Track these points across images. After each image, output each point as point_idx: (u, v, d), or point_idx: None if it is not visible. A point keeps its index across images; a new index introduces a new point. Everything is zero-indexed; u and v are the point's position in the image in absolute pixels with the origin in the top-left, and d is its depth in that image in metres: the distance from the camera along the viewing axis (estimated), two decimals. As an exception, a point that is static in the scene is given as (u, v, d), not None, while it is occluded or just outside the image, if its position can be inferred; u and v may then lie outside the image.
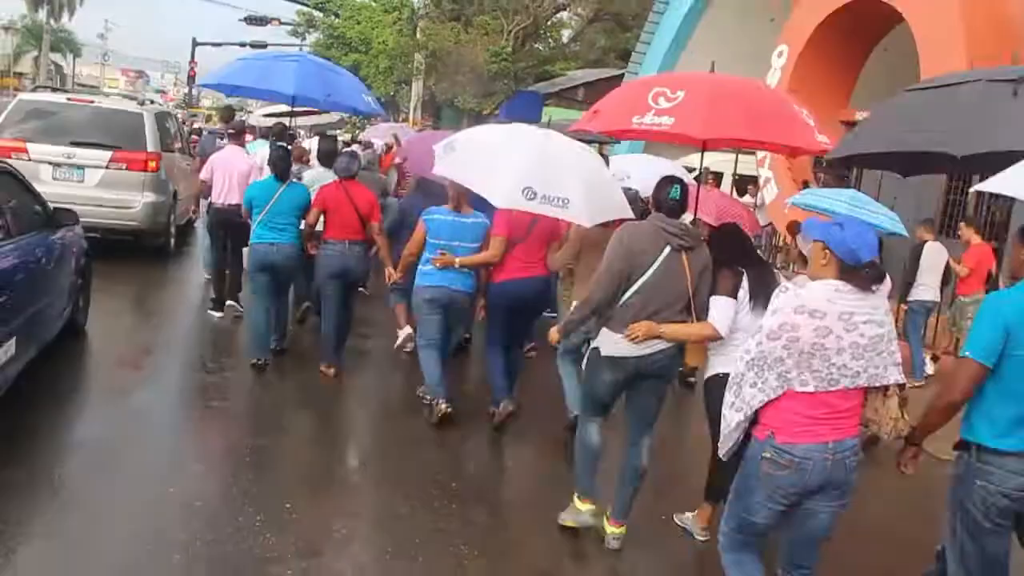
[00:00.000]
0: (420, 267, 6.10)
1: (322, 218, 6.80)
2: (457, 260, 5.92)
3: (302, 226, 6.91)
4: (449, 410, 5.94)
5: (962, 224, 9.20)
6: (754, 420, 3.37)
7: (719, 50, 19.10)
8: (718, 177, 15.78)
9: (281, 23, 42.18)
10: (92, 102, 10.67)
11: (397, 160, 10.59)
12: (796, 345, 3.20)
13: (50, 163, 9.94)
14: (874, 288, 3.28)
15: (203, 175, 8.58)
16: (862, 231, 3.31)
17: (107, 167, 10.02)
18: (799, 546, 3.49)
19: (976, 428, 3.27)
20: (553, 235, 6.02)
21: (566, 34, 30.26)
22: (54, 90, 12.68)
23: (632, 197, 5.66)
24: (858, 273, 3.23)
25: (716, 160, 16.37)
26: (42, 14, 55.45)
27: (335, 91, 9.90)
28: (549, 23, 28.35)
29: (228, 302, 8.40)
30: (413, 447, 5.76)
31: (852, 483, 3.35)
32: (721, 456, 3.60)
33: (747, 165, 15.66)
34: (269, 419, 6.00)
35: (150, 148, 10.31)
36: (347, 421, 6.51)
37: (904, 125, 4.90)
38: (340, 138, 14.53)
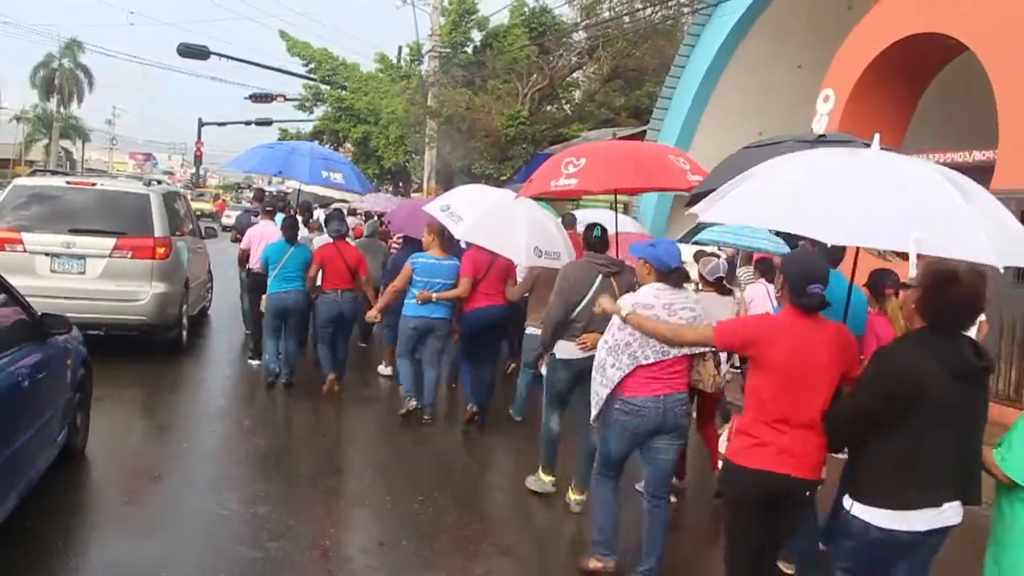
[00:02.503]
0: (407, 301, 7.61)
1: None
2: (434, 295, 7.47)
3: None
4: (415, 406, 7.68)
5: None
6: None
7: (743, 100, 18.39)
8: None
9: (287, 99, 41.73)
10: (94, 185, 9.63)
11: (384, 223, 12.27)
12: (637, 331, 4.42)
13: (47, 254, 8.91)
14: (684, 285, 4.66)
15: (243, 245, 9.92)
16: (668, 247, 4.65)
17: (111, 256, 8.95)
18: (655, 479, 4.74)
19: None
20: (507, 274, 7.68)
21: (577, 94, 29.49)
22: (53, 173, 11.71)
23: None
24: (670, 276, 4.58)
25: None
26: (52, 103, 55.55)
27: (287, 168, 11.76)
28: (565, 81, 27.52)
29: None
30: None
31: (684, 426, 4.70)
32: (591, 421, 4.89)
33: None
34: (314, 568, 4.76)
35: (158, 233, 9.24)
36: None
37: (718, 173, 5.51)
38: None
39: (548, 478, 6.12)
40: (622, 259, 6.19)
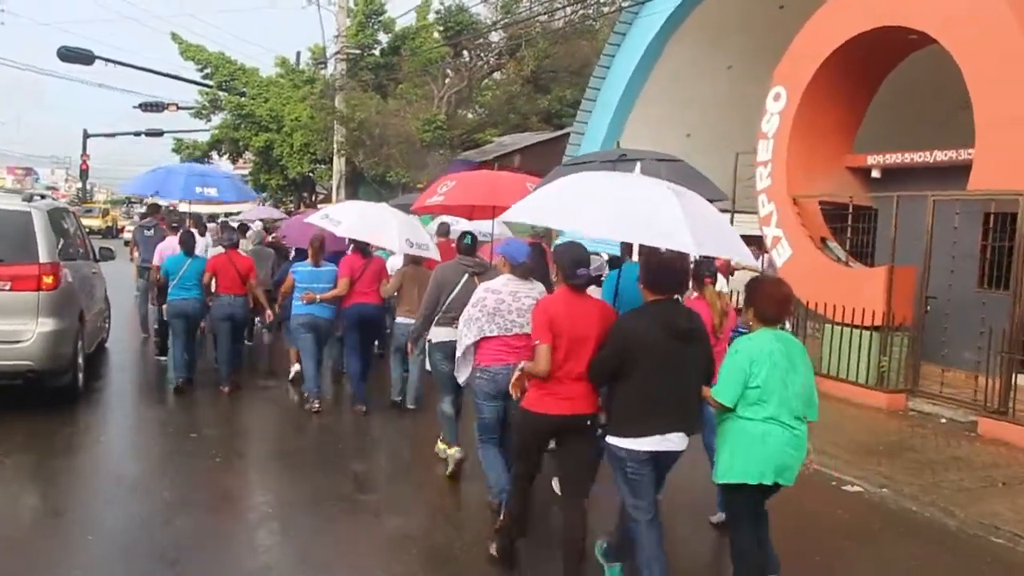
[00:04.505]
0: (294, 302, 8.81)
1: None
2: (318, 296, 8.63)
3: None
4: (319, 408, 8.72)
5: None
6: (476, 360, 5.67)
7: (672, 101, 17.64)
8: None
9: (179, 108, 39.44)
10: (-41, 201, 7.93)
11: (277, 236, 13.48)
12: (485, 309, 5.49)
13: (-99, 288, 7.23)
14: (530, 278, 5.63)
15: (156, 261, 10.80)
16: (519, 247, 5.78)
17: (-16, 288, 7.35)
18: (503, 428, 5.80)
19: None
20: (380, 275, 8.94)
21: (489, 96, 28.39)
22: (-90, 190, 9.91)
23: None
24: (518, 269, 5.58)
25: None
26: (-86, 114, 51.22)
27: (162, 188, 13.93)
28: (484, 84, 26.33)
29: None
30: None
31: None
32: (460, 381, 5.98)
33: (747, 225, 13.83)
34: None
35: (44, 258, 7.64)
36: None
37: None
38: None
39: (451, 450, 6.89)
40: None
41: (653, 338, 4.28)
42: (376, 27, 28.01)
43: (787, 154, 12.71)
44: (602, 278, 7.10)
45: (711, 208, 5.06)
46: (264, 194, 35.88)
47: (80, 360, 8.41)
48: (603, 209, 4.60)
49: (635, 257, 5.02)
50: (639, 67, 17.79)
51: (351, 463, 7.21)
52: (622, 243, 6.29)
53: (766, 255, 13.22)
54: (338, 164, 25.93)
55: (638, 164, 5.31)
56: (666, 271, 4.44)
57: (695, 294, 6.10)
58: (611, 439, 4.42)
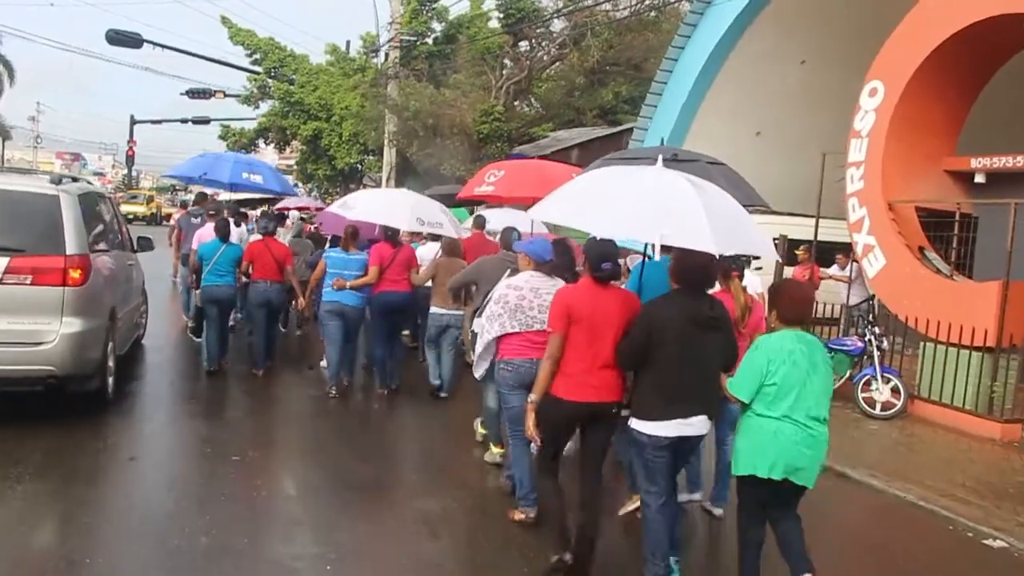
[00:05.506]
0: (324, 290, 9.03)
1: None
2: (348, 283, 8.85)
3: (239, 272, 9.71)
4: (335, 394, 8.96)
5: None
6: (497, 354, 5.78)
7: (742, 98, 16.54)
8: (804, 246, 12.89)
9: (226, 95, 39.06)
10: (-22, 183, 6.99)
11: (315, 226, 14.01)
12: (508, 305, 5.61)
13: (-89, 280, 6.40)
14: (552, 275, 5.70)
15: (193, 245, 10.74)
16: (542, 244, 5.89)
17: (1, 281, 6.48)
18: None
19: None
20: (410, 263, 9.16)
21: (544, 88, 27.42)
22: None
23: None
24: (542, 267, 5.71)
25: (792, 222, 13.48)
26: (-32, 99, 51.16)
27: (210, 171, 14.26)
28: (543, 75, 25.26)
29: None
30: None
31: None
32: (476, 375, 6.28)
33: (833, 231, 12.75)
34: None
35: (71, 249, 6.73)
36: None
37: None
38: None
39: (498, 450, 6.95)
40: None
41: (677, 324, 4.46)
42: (430, 15, 27.23)
43: (883, 155, 11.52)
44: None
45: (733, 202, 5.18)
46: (310, 185, 35.30)
47: (110, 363, 7.56)
48: (620, 209, 4.68)
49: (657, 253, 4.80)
50: (709, 61, 16.71)
51: (417, 500, 6.16)
52: None
53: (855, 264, 12.14)
54: (388, 155, 25.14)
55: (659, 159, 5.25)
56: (696, 272, 4.60)
57: (720, 287, 6.06)
58: (634, 423, 4.58)
